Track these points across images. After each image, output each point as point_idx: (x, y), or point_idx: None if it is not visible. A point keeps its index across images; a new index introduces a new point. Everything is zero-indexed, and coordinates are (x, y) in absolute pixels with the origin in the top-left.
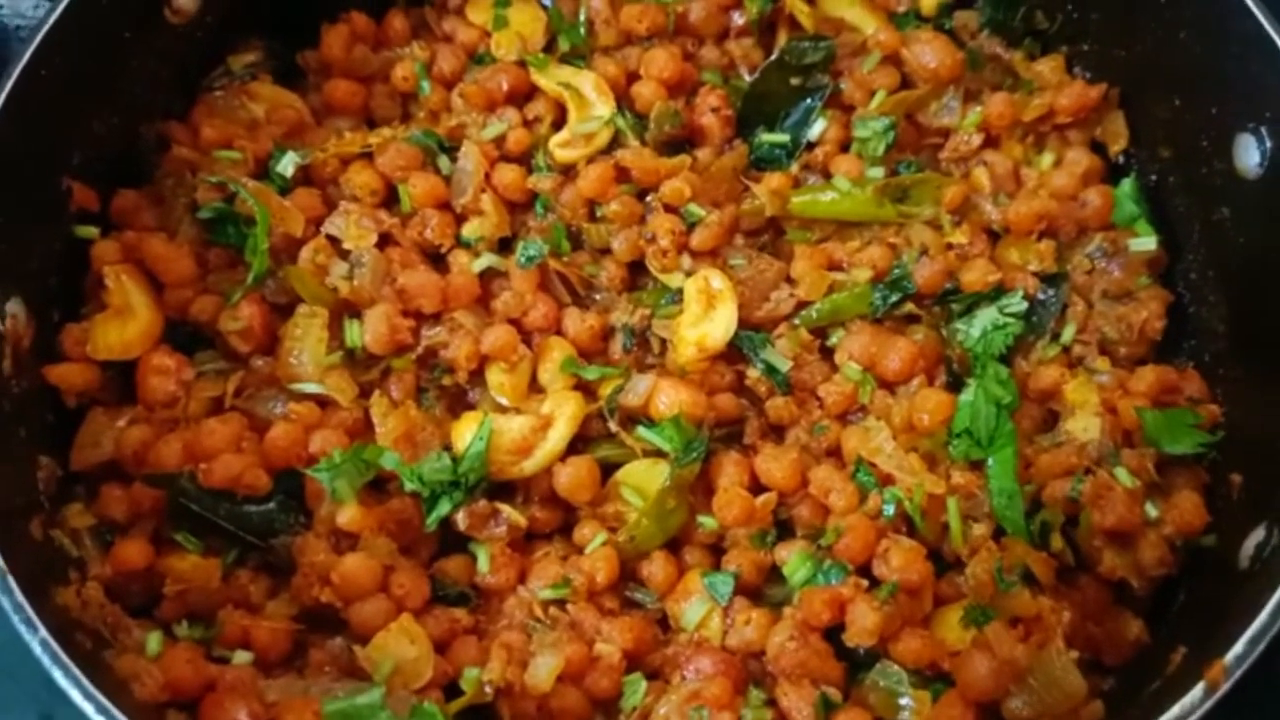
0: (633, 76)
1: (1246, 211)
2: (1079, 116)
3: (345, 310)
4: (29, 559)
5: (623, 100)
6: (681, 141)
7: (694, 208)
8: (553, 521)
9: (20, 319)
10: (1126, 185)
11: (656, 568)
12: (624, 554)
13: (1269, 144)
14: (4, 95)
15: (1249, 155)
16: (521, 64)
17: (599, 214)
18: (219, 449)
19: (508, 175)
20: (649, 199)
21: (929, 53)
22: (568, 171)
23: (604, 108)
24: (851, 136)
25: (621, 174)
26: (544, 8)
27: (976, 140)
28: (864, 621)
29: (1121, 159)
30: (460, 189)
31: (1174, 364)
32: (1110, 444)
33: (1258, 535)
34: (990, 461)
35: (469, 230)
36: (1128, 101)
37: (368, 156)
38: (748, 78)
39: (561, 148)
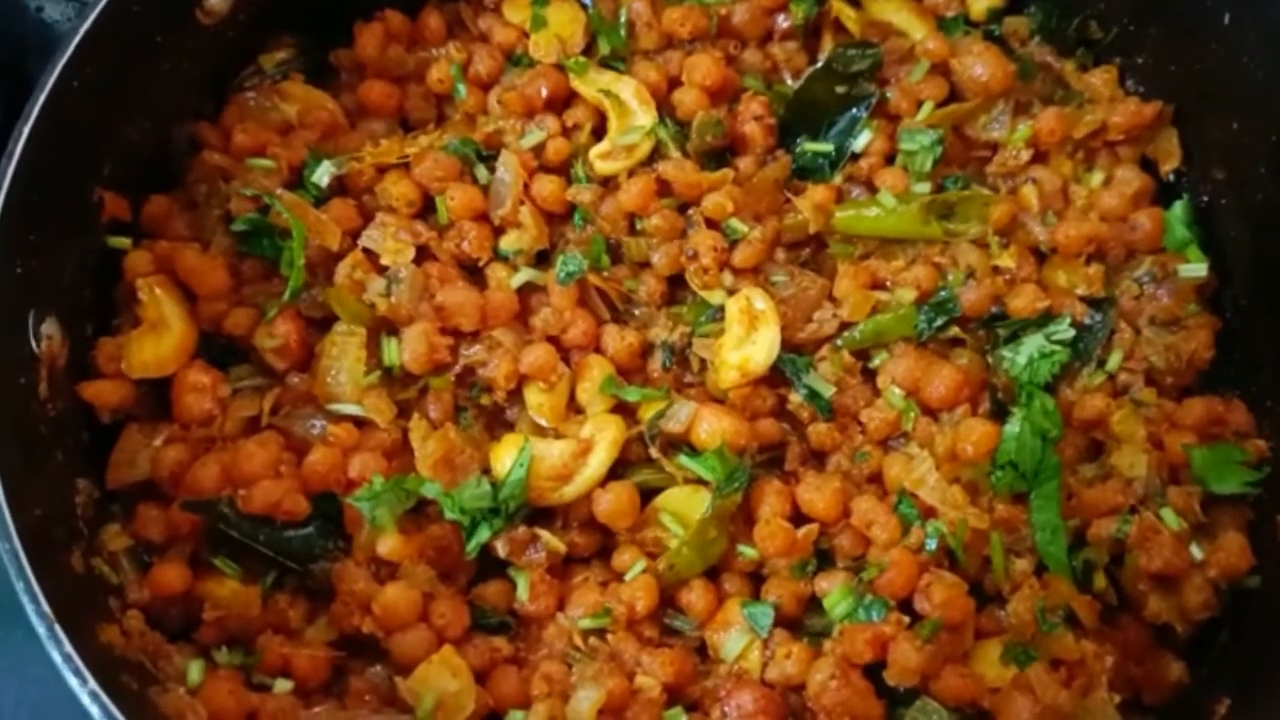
0: (674, 81)
1: None
2: (1131, 134)
3: (383, 327)
4: (73, 601)
5: (663, 107)
6: (723, 150)
7: (736, 223)
8: (591, 546)
9: (56, 340)
10: (1178, 209)
11: (696, 596)
12: (663, 582)
13: None
14: (36, 110)
15: None
16: (560, 68)
17: (639, 227)
18: (257, 474)
19: (547, 187)
20: (690, 212)
21: (980, 65)
22: (607, 182)
23: (645, 117)
24: (897, 148)
25: (663, 187)
26: (584, 7)
27: (1025, 155)
28: (906, 661)
29: (1172, 177)
30: (499, 200)
31: (1220, 392)
32: (1157, 481)
33: None
34: (1034, 495)
35: (507, 243)
36: (1182, 119)
37: (404, 165)
38: (791, 82)
39: (602, 159)
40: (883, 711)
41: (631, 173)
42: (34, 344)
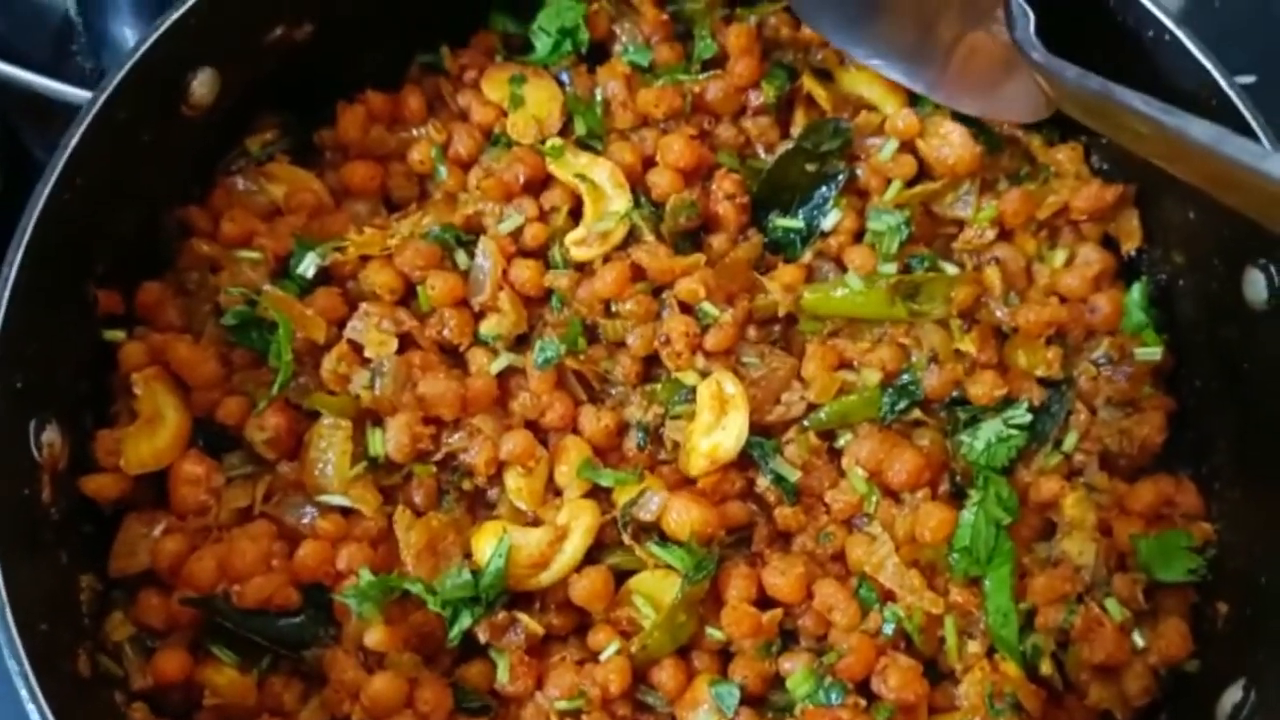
0: (649, 160)
1: (1254, 338)
2: (1094, 216)
3: (368, 417)
4: (79, 706)
5: (639, 185)
6: (697, 228)
7: (708, 307)
8: (568, 625)
9: (56, 445)
10: (1136, 292)
11: (666, 675)
12: (636, 661)
13: (1278, 281)
14: (30, 229)
15: (1257, 289)
16: (538, 150)
17: (615, 309)
18: (250, 570)
19: (524, 273)
20: (664, 295)
21: (947, 147)
22: (583, 267)
23: (620, 201)
24: (866, 225)
25: (637, 272)
26: (561, 85)
27: (990, 234)
28: None
29: (1133, 253)
30: (478, 286)
31: (1173, 468)
32: (1104, 570)
33: (1234, 695)
34: (987, 579)
35: (487, 328)
36: (1143, 201)
37: (386, 254)
38: (764, 155)
39: (577, 245)
40: None
41: (607, 258)
42: (36, 453)
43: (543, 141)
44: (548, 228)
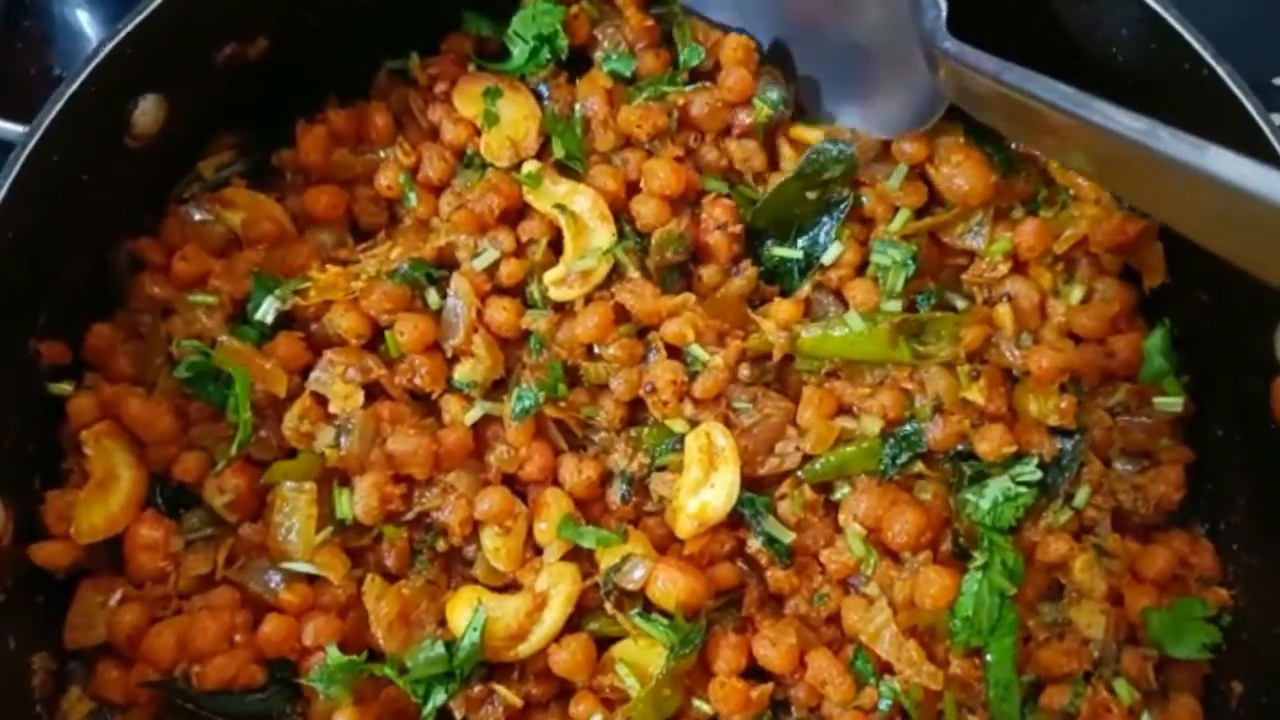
0: (633, 186)
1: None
2: (1115, 249)
3: (333, 476)
4: None
5: (621, 213)
6: (685, 261)
7: (697, 350)
8: (548, 693)
9: (1, 519)
10: (1157, 338)
11: None
12: None
13: None
14: None
15: None
16: (514, 174)
17: (597, 352)
18: (212, 648)
19: (500, 314)
20: (650, 336)
21: (960, 177)
22: (563, 306)
23: (603, 235)
24: (869, 256)
25: (621, 312)
26: (538, 98)
27: (1004, 268)
28: None
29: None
30: (451, 329)
31: (1188, 524)
32: (1113, 644)
33: None
34: (989, 653)
35: (461, 374)
36: (1168, 234)
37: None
38: (750, 181)
39: (557, 285)
40: None
41: (589, 298)
42: None
43: (519, 165)
44: (525, 263)
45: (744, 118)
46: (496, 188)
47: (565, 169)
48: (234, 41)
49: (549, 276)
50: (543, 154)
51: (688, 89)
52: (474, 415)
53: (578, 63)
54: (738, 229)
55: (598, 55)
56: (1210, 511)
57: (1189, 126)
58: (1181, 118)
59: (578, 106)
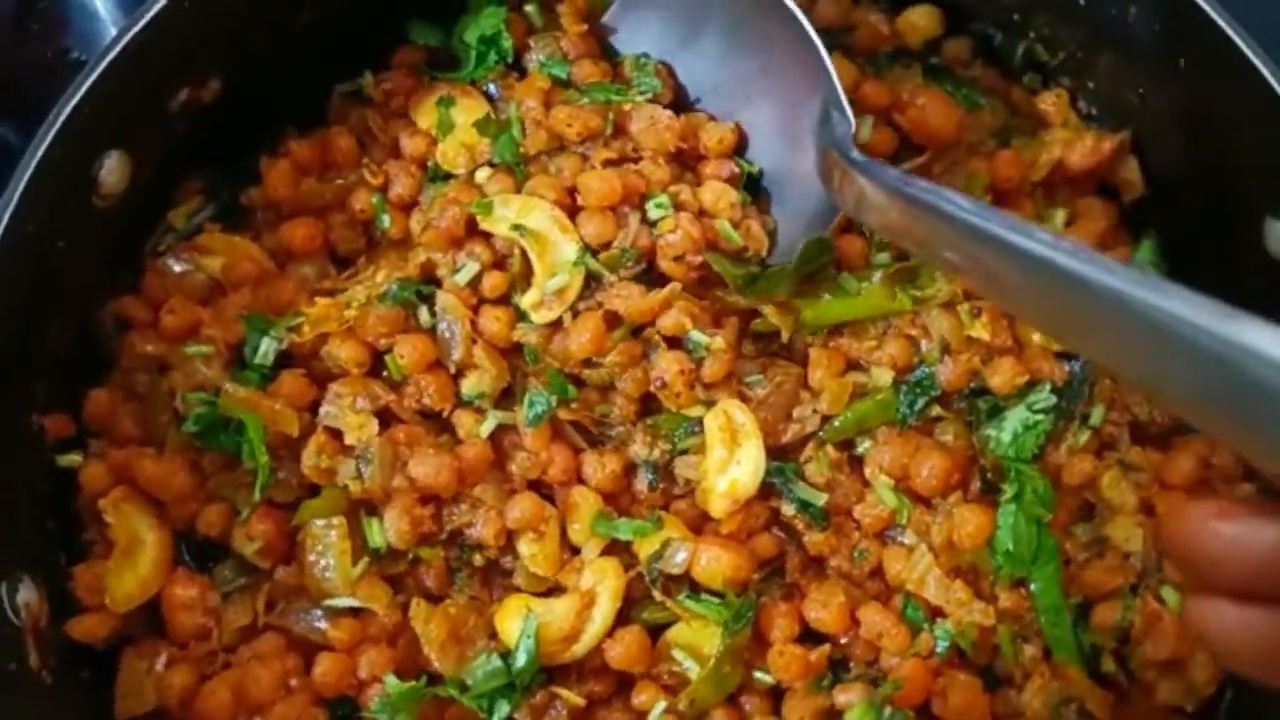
0: (573, 192)
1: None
2: (1091, 170)
3: (360, 507)
4: None
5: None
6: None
7: (698, 335)
8: (608, 689)
9: (34, 602)
10: (1145, 250)
11: None
12: (685, 718)
13: None
14: None
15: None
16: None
17: (596, 361)
18: (269, 698)
19: (492, 325)
20: (647, 332)
21: (927, 116)
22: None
23: (568, 248)
24: None
25: (612, 316)
26: (490, 100)
27: (986, 202)
28: None
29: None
30: (448, 345)
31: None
32: (1153, 555)
33: None
34: (1033, 579)
35: (469, 388)
36: (1141, 144)
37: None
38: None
39: (535, 310)
40: None
41: (576, 312)
42: (14, 618)
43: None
44: (506, 274)
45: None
46: (456, 200)
47: (510, 172)
48: (187, 86)
49: (525, 302)
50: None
51: (638, 99)
52: (489, 426)
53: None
54: (697, 259)
55: (531, 61)
56: None
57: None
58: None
59: (512, 106)
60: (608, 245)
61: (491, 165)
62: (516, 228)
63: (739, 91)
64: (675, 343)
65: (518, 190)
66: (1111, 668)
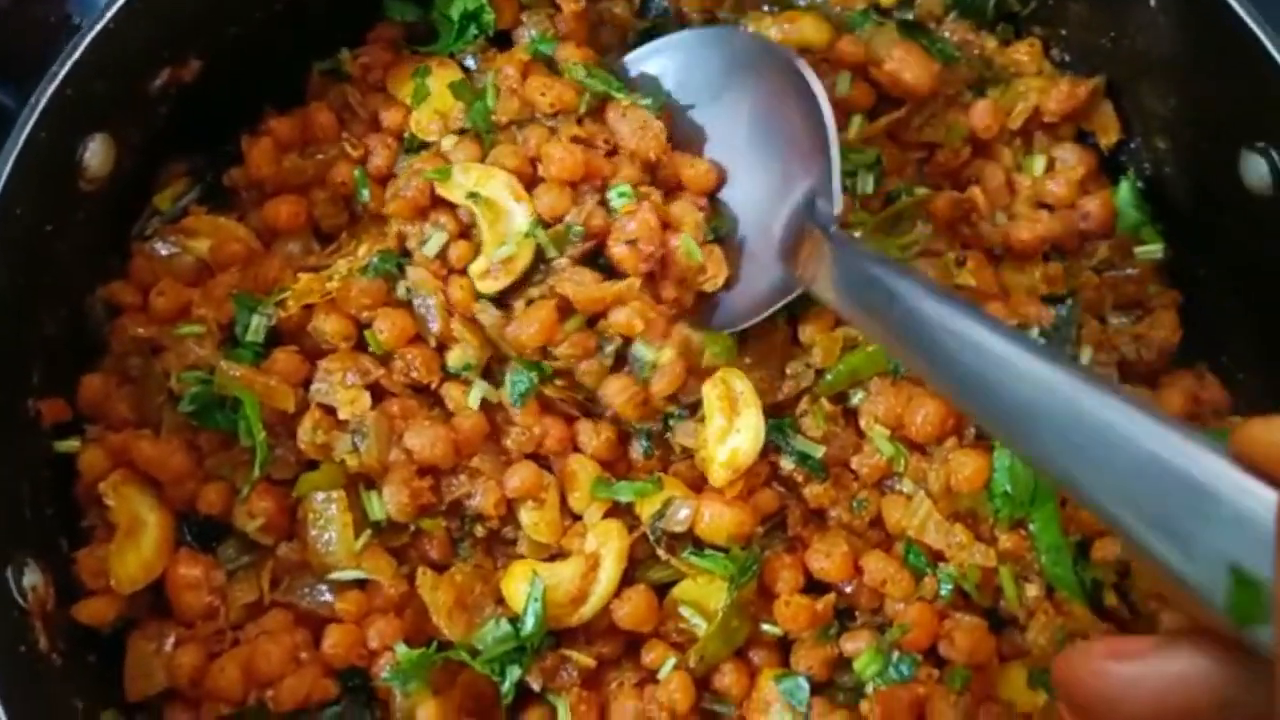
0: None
1: (1260, 224)
2: (1068, 116)
3: (359, 481)
4: None
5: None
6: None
7: (642, 350)
8: (618, 649)
9: (40, 585)
10: (1124, 190)
11: (729, 679)
12: (695, 673)
13: None
14: None
15: (1258, 174)
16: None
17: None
18: (279, 671)
19: (457, 294)
20: (600, 325)
21: (904, 70)
22: (505, 299)
23: (520, 218)
24: None
25: (565, 305)
26: (467, 72)
27: (965, 153)
28: (945, 718)
29: (1113, 147)
30: (426, 319)
31: (1190, 364)
32: None
33: None
34: (1032, 519)
35: (453, 361)
36: (1116, 90)
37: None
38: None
39: (483, 279)
40: None
41: (529, 300)
42: (21, 601)
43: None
44: (472, 244)
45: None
46: (421, 170)
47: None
48: (168, 66)
49: (473, 270)
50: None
51: (623, 100)
52: (475, 397)
53: (506, 45)
54: (650, 249)
55: (522, 36)
56: (1209, 348)
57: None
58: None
59: (490, 74)
60: (560, 221)
61: (461, 133)
62: (472, 195)
63: (731, 155)
64: (622, 359)
65: (484, 159)
66: (1114, 601)
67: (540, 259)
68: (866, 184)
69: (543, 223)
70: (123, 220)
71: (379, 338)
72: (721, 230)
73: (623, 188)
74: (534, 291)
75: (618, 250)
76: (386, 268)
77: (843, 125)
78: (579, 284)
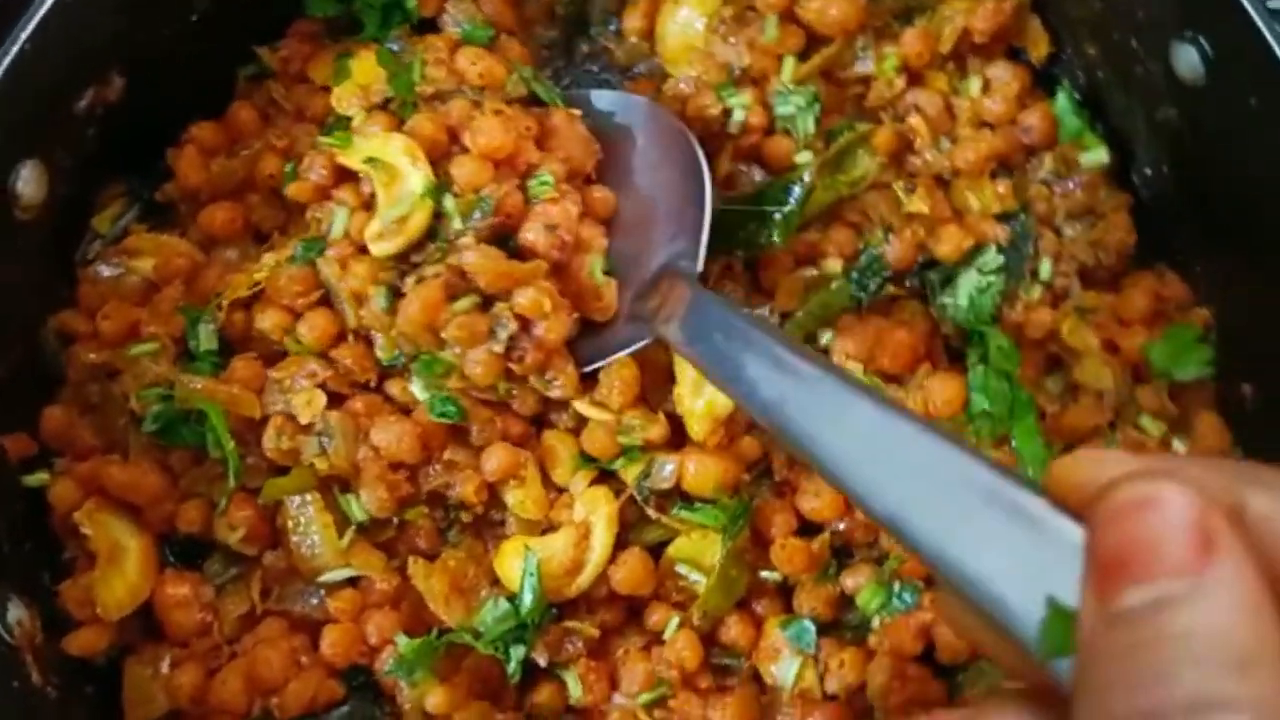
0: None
1: (1197, 113)
2: (996, 35)
3: (333, 483)
4: None
5: (443, 177)
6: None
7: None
8: (620, 615)
9: (26, 619)
10: (1062, 100)
11: (735, 631)
12: (700, 630)
13: (1211, 52)
14: None
15: (1190, 64)
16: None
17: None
18: (282, 678)
19: (358, 274)
20: (497, 308)
21: (829, 6)
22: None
23: (417, 179)
24: (773, 115)
25: (456, 282)
26: (393, 55)
27: (900, 83)
28: (953, 642)
29: (1044, 59)
30: (341, 309)
31: (1148, 265)
32: (1125, 389)
33: None
34: (1014, 436)
35: (383, 354)
36: (1041, 3)
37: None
38: None
39: (376, 241)
40: (944, 689)
41: (420, 278)
42: (7, 637)
43: (371, 109)
44: (372, 212)
45: None
46: (322, 152)
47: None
48: (91, 86)
49: (367, 234)
50: (389, 104)
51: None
52: (419, 388)
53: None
54: (568, 238)
55: (447, 23)
56: (1164, 246)
57: None
58: None
59: (419, 50)
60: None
61: (382, 107)
62: (369, 160)
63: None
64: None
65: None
66: None
67: (444, 238)
68: (807, 124)
69: (454, 192)
70: (65, 247)
71: (304, 340)
72: (607, 268)
73: (546, 177)
74: (429, 270)
75: (530, 235)
76: (310, 255)
77: (774, 70)
78: (484, 257)
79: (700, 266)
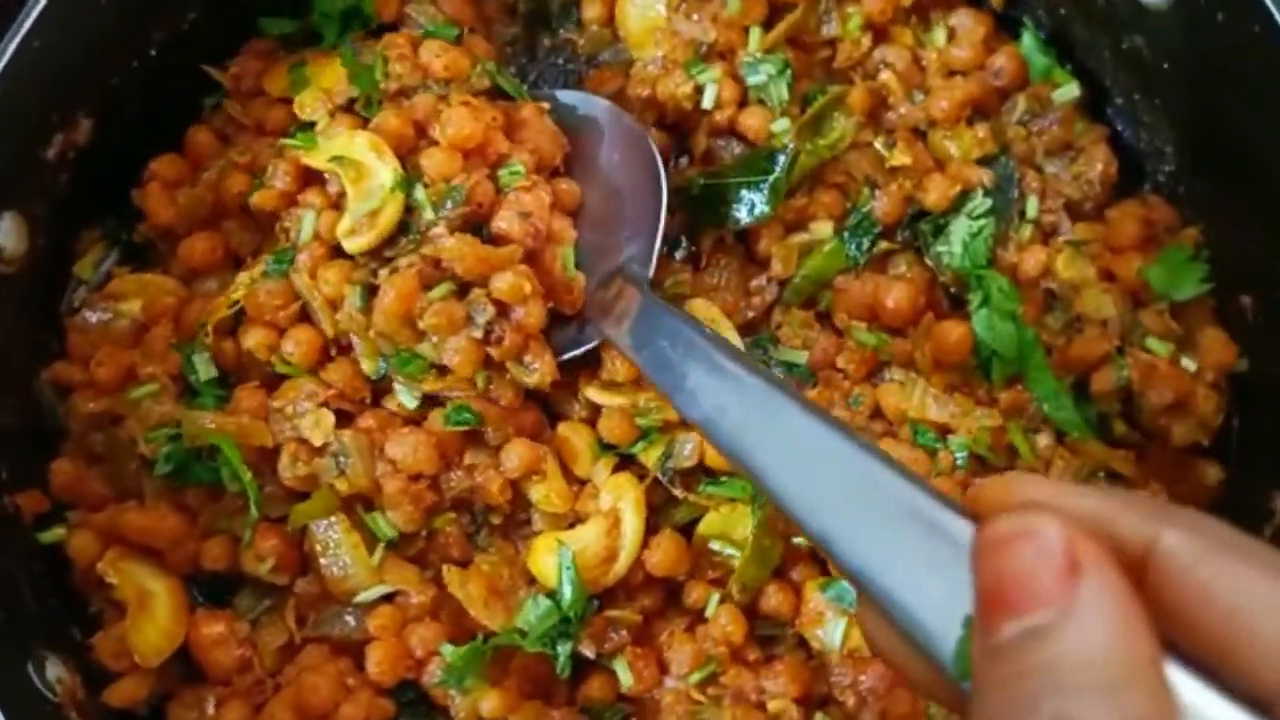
0: (422, 129)
1: (1161, 37)
2: None
3: (356, 502)
4: None
5: (412, 171)
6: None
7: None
8: (660, 599)
9: (65, 676)
10: (1027, 40)
11: (775, 600)
12: (741, 603)
13: None
14: None
15: None
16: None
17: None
18: (331, 703)
19: (331, 279)
20: (473, 295)
21: None
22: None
23: (385, 172)
24: (745, 86)
25: (430, 272)
26: (354, 54)
27: (866, 41)
28: None
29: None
30: (315, 316)
31: (1134, 192)
32: (1128, 314)
33: None
34: (1025, 374)
35: (368, 368)
36: None
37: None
38: None
39: (348, 237)
40: None
41: (394, 269)
42: (50, 696)
43: (334, 112)
44: (341, 211)
45: None
46: (288, 158)
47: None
48: (59, 131)
49: (339, 231)
50: (354, 105)
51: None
52: (407, 397)
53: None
54: (541, 226)
55: (409, 26)
56: (1147, 173)
57: None
58: None
59: (379, 48)
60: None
61: (346, 109)
62: (335, 159)
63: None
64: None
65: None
66: (1124, 429)
67: (417, 230)
68: (781, 92)
69: (424, 183)
70: (49, 297)
71: (292, 359)
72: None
73: (516, 166)
74: (403, 261)
75: (504, 223)
76: (282, 268)
77: (741, 43)
78: (461, 243)
79: (652, 272)
